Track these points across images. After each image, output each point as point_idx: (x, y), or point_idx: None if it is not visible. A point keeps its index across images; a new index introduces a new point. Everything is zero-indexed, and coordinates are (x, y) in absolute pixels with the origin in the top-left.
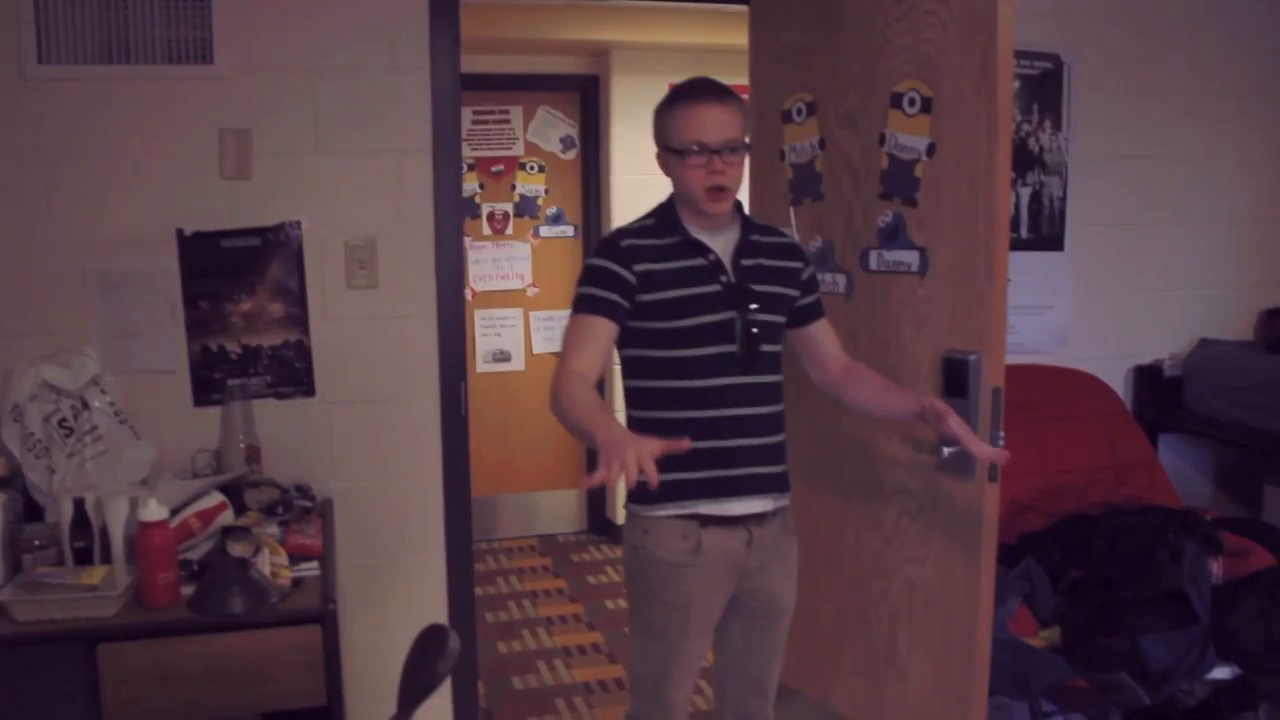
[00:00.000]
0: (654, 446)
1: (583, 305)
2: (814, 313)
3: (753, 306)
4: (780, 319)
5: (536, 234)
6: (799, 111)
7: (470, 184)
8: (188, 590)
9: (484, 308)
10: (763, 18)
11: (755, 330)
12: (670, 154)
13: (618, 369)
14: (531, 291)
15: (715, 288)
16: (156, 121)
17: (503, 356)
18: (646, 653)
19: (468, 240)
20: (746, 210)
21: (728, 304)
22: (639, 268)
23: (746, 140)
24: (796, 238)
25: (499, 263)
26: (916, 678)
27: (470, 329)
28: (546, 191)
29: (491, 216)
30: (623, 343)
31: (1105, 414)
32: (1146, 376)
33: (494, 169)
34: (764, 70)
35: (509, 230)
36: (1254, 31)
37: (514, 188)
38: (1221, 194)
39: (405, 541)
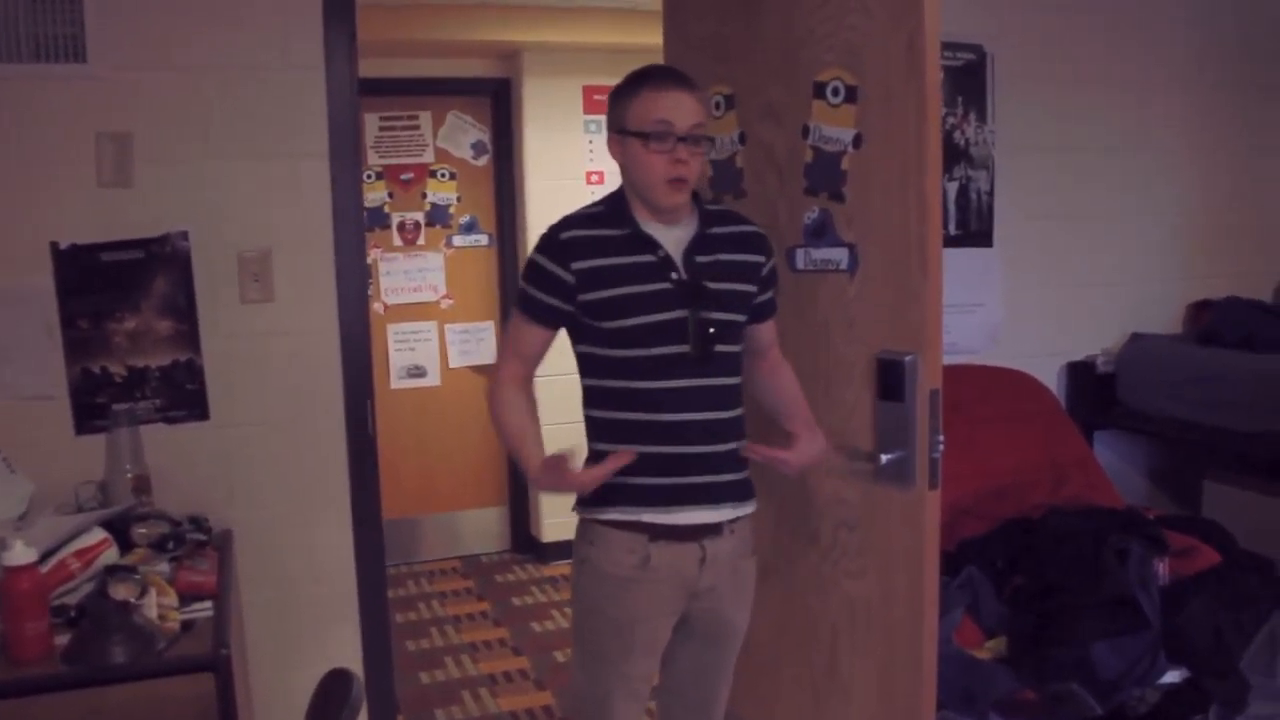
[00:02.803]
0: (586, 479)
1: (520, 306)
2: (767, 310)
3: (707, 306)
4: (740, 318)
5: (449, 244)
6: (717, 105)
7: (379, 193)
8: (65, 639)
9: (397, 321)
10: (676, 7)
11: (712, 330)
12: (629, 138)
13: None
14: (446, 304)
15: (664, 285)
16: (25, 125)
17: (418, 372)
18: (588, 672)
19: (378, 252)
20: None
21: (679, 302)
22: (578, 265)
23: (707, 134)
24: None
25: (411, 274)
26: (861, 696)
27: (383, 344)
28: (459, 199)
29: (402, 226)
30: (575, 339)
31: (1039, 413)
32: (1079, 373)
33: (403, 177)
34: (679, 63)
35: (420, 240)
36: (1180, 22)
37: (425, 196)
38: (1150, 186)
39: (313, 573)
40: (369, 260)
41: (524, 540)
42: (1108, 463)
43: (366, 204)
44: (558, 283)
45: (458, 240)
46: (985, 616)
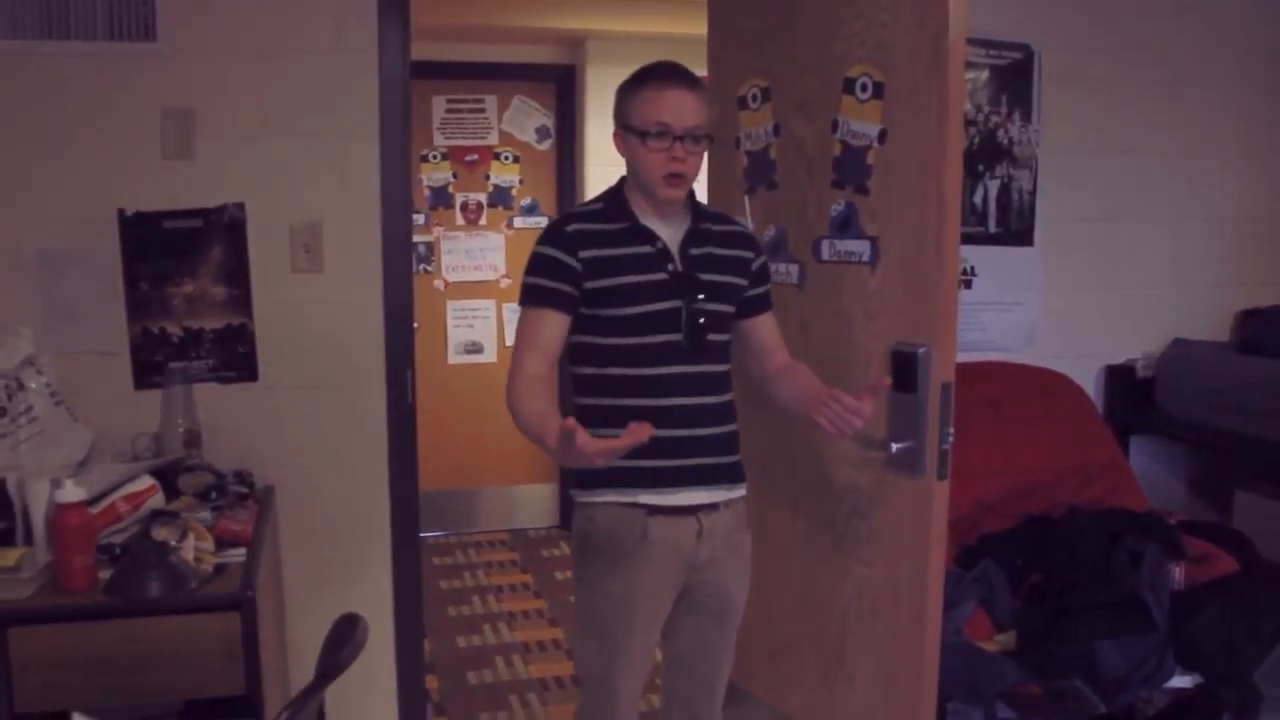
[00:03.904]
0: (604, 448)
1: (532, 297)
2: (761, 304)
3: (700, 296)
4: (729, 309)
5: (510, 225)
6: (754, 98)
7: (443, 173)
8: (109, 574)
9: (456, 299)
10: (720, 1)
11: (702, 320)
12: (631, 134)
13: None
14: (504, 283)
15: (661, 276)
16: (97, 99)
17: (475, 348)
18: (590, 646)
19: (440, 230)
20: (703, 199)
21: (673, 293)
22: (584, 254)
23: (708, 132)
24: (750, 226)
25: (472, 253)
26: (865, 682)
27: (443, 320)
28: (521, 182)
29: (465, 206)
30: (571, 329)
31: (1073, 414)
32: (1118, 376)
33: (468, 158)
34: (721, 55)
35: (482, 220)
36: (1229, 23)
37: (488, 177)
38: (1198, 190)
39: (350, 532)
40: (432, 238)
41: (570, 516)
42: (1145, 468)
43: (431, 183)
44: (568, 270)
45: (518, 222)
46: (999, 611)
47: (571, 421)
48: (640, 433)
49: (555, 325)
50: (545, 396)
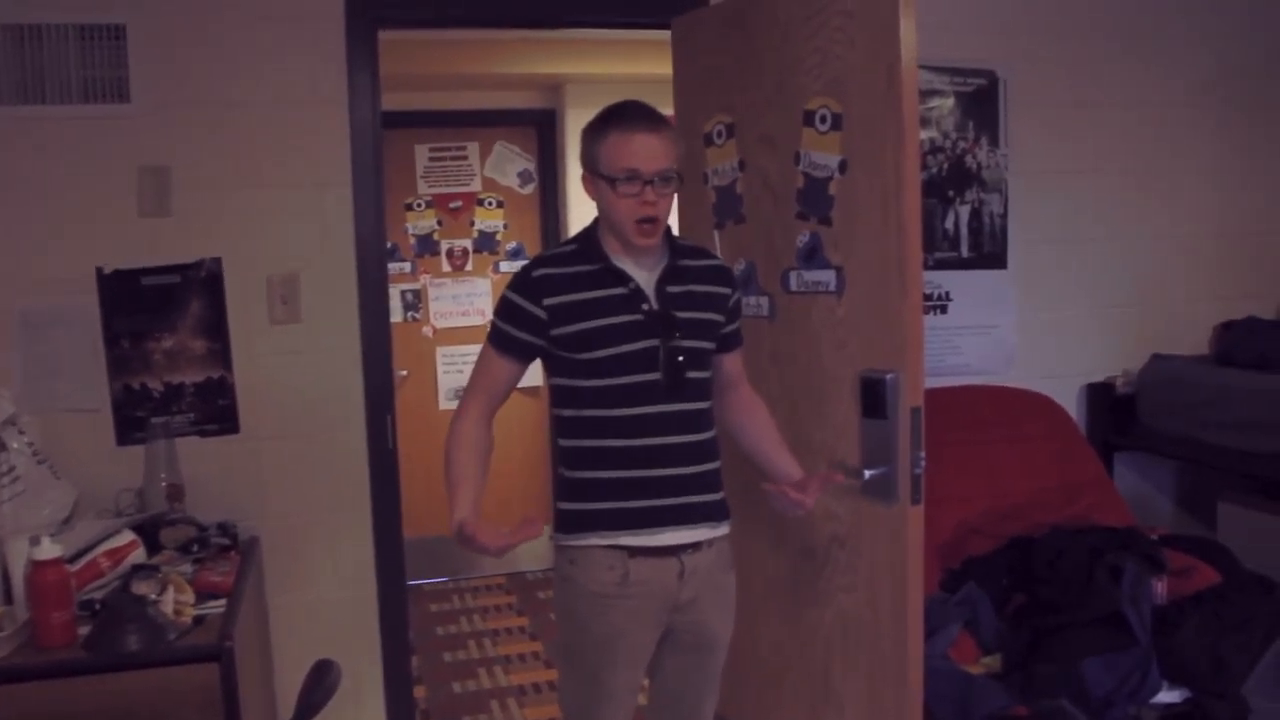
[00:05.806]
0: (494, 547)
1: (492, 339)
2: (733, 341)
3: (676, 334)
4: (708, 345)
5: (497, 269)
6: (719, 134)
7: (429, 220)
8: (88, 630)
9: (446, 344)
10: (683, 40)
11: (681, 358)
12: (600, 180)
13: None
14: None
15: (636, 317)
16: (75, 160)
17: None
18: (573, 684)
19: (427, 278)
20: (675, 234)
21: (649, 332)
22: (550, 301)
23: (677, 171)
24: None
25: (459, 299)
26: (852, 708)
27: (432, 366)
28: (505, 227)
29: (451, 253)
30: (550, 372)
31: (1054, 434)
32: (1099, 394)
33: (452, 205)
34: (686, 93)
35: (469, 266)
36: (1194, 42)
37: (473, 224)
38: (1169, 206)
39: (337, 579)
40: (419, 285)
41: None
42: (1130, 485)
43: (417, 231)
44: (530, 318)
45: (505, 266)
46: (984, 633)
47: (471, 524)
48: (531, 530)
49: (506, 371)
50: (480, 454)
